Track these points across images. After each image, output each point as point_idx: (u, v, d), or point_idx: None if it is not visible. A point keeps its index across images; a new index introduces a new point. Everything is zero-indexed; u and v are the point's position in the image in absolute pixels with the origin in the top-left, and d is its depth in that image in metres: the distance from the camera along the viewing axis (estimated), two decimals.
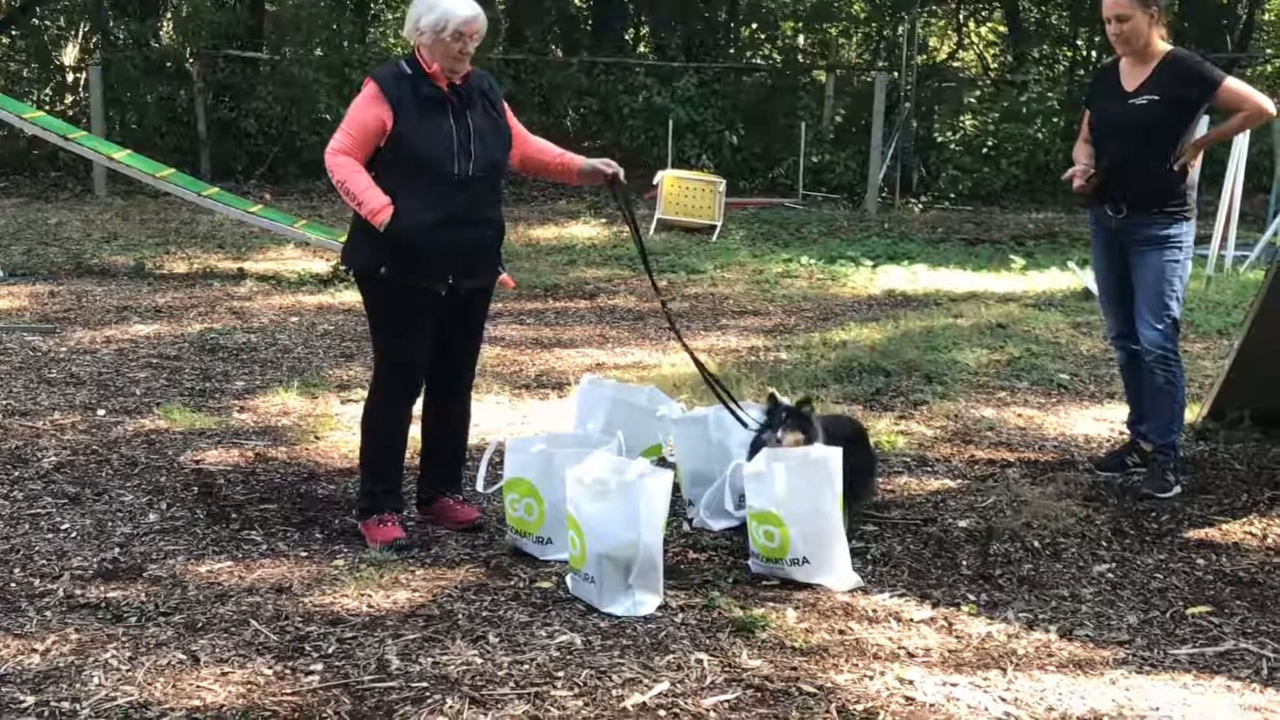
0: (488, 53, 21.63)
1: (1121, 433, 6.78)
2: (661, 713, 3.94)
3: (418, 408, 5.49)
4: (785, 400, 5.38)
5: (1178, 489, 6.06)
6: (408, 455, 5.57)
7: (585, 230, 15.43)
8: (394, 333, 5.25)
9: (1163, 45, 5.96)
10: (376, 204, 5.01)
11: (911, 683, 4.18)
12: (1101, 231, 6.21)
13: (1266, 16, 25.12)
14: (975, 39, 26.09)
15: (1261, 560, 5.32)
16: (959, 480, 6.26)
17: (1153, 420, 6.16)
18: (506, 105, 5.43)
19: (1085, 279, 11.16)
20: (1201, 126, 6.02)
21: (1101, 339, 8.83)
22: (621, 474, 4.78)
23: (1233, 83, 5.93)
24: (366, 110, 5.06)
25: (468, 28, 5.04)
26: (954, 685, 4.17)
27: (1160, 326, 5.96)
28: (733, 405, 5.58)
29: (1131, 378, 6.36)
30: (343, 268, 5.38)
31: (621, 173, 5.50)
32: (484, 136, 5.19)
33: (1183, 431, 6.27)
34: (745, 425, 5.48)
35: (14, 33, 23.35)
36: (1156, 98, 5.85)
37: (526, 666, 4.23)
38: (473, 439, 6.02)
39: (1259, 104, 5.87)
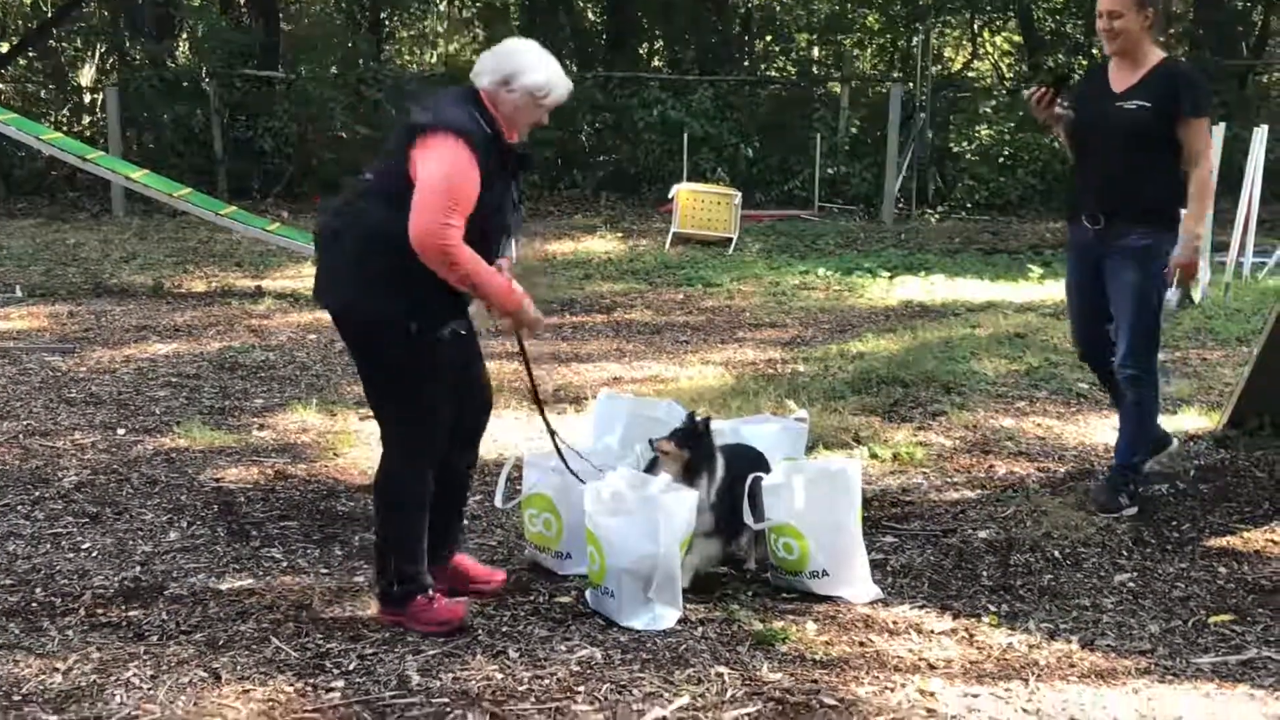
0: None
1: None
2: None
3: None
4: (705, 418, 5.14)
5: (1131, 510, 5.88)
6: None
7: (601, 245, 15.46)
8: (432, 385, 4.60)
9: (1157, 51, 5.74)
10: (509, 285, 4.55)
11: (933, 694, 4.17)
12: (1078, 245, 5.98)
13: None
14: (990, 49, 26.10)
15: None
16: (978, 491, 6.24)
17: (1119, 439, 6.04)
18: None
19: None
20: (1217, 138, 5.87)
21: None
22: (640, 489, 4.79)
23: (1202, 129, 5.65)
24: (467, 177, 4.33)
25: (564, 101, 4.69)
26: (975, 696, 4.16)
27: (1135, 344, 5.75)
28: (568, 458, 5.13)
29: (1115, 394, 6.16)
30: (354, 315, 4.54)
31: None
32: (518, 208, 4.74)
33: (1146, 454, 6.09)
34: (579, 479, 5.06)
35: (31, 54, 23.50)
36: (1147, 104, 5.62)
37: (547, 681, 4.23)
38: (491, 454, 6.02)
39: (1202, 171, 5.61)
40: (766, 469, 5.15)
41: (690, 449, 4.98)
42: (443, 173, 4.31)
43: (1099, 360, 6.07)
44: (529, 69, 4.52)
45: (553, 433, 5.08)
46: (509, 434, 7.12)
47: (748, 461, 5.21)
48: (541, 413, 5.07)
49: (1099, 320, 5.96)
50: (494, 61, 4.56)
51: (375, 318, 4.47)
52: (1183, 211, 5.69)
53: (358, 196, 4.57)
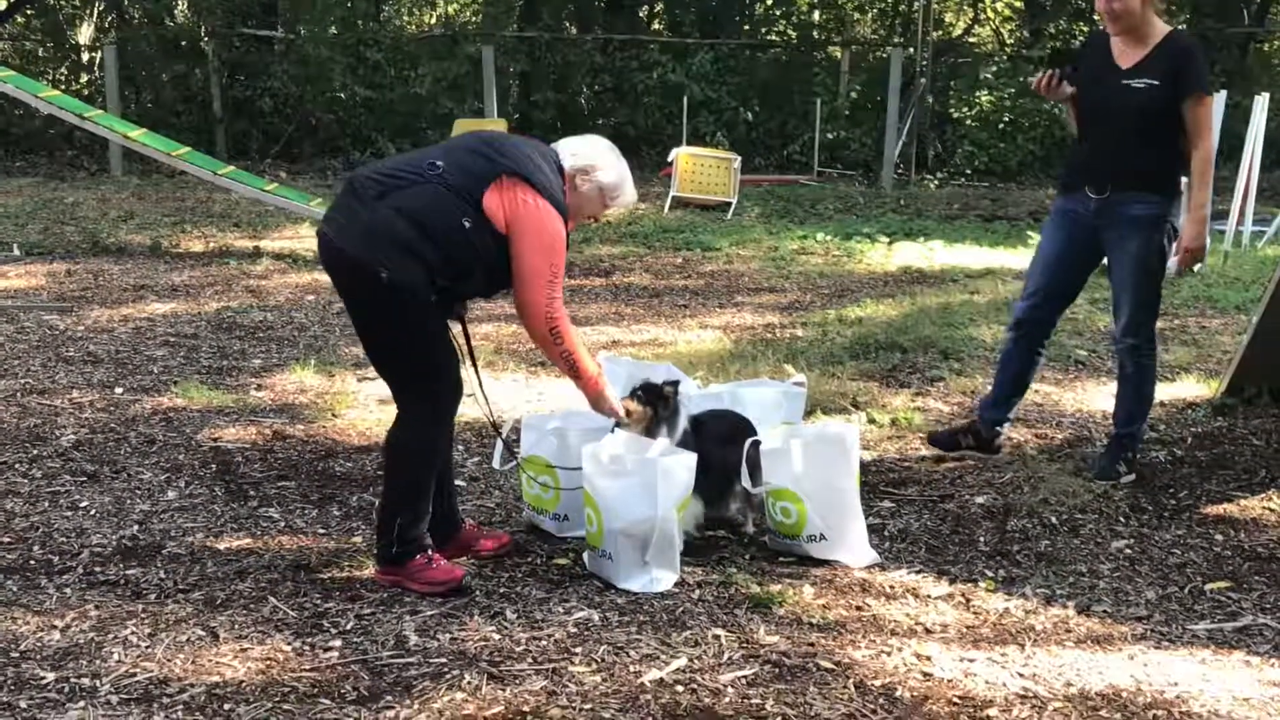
0: (503, 30, 21.60)
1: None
2: (679, 688, 3.94)
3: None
4: (680, 379, 5.29)
5: (1129, 477, 5.89)
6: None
7: None
8: (443, 348, 4.69)
9: (1160, 24, 5.62)
10: (603, 388, 4.84)
11: (929, 658, 4.18)
12: (1071, 217, 5.86)
13: None
14: (991, 14, 25.96)
15: None
16: (976, 457, 6.24)
17: (1117, 407, 6.01)
18: None
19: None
20: (1217, 106, 5.81)
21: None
22: (639, 452, 4.79)
23: (1206, 108, 5.56)
24: (563, 252, 4.59)
25: (625, 211, 4.84)
26: (971, 661, 4.17)
27: (1137, 314, 5.73)
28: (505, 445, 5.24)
29: (1010, 364, 6.12)
30: (384, 274, 4.36)
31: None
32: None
33: (1145, 424, 6.07)
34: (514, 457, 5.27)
35: (29, 12, 23.38)
36: (1156, 82, 5.52)
37: (544, 642, 4.24)
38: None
39: (1203, 151, 5.55)
40: (753, 434, 5.16)
41: (652, 405, 4.99)
42: (546, 249, 4.51)
43: (1035, 336, 6.03)
44: (608, 168, 4.74)
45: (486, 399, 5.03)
46: (507, 396, 7.12)
47: (729, 425, 5.24)
48: (475, 370, 4.98)
49: (1061, 298, 6.00)
50: (580, 148, 4.76)
51: (403, 280, 4.38)
52: (1184, 180, 5.67)
53: (421, 173, 4.48)
